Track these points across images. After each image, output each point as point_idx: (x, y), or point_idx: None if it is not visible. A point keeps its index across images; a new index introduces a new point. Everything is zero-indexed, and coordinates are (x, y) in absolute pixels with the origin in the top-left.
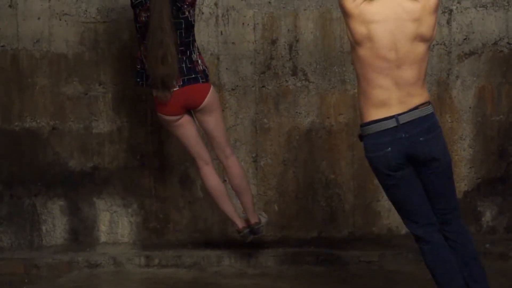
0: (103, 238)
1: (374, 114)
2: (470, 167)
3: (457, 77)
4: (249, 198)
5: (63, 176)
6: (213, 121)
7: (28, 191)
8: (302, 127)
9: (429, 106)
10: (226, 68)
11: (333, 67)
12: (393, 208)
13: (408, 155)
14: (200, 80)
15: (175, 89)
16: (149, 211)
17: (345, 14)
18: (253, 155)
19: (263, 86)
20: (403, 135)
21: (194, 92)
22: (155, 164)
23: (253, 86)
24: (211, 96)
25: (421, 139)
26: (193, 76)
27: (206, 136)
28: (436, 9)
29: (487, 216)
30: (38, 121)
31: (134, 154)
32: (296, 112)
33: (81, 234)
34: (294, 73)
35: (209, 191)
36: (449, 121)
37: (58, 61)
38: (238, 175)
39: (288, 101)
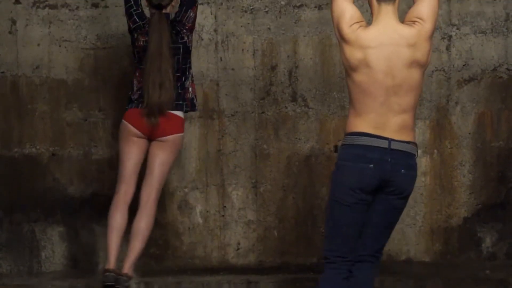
0: (102, 264)
1: (367, 129)
2: (470, 193)
3: (456, 103)
4: (139, 248)
5: (63, 202)
6: (162, 159)
7: (28, 217)
8: (302, 153)
9: (416, 147)
10: (226, 94)
11: (333, 93)
12: (394, 233)
13: (383, 180)
14: (184, 109)
15: None
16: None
17: (342, 40)
18: (253, 181)
19: (262, 112)
20: (389, 159)
21: (171, 122)
22: None
23: (252, 112)
24: (179, 137)
25: (402, 170)
26: (180, 103)
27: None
28: (431, 35)
29: (487, 242)
30: (37, 147)
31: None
32: (296, 138)
33: (81, 261)
34: (294, 99)
35: (110, 220)
36: (449, 147)
37: (57, 87)
38: (147, 222)
39: (287, 127)
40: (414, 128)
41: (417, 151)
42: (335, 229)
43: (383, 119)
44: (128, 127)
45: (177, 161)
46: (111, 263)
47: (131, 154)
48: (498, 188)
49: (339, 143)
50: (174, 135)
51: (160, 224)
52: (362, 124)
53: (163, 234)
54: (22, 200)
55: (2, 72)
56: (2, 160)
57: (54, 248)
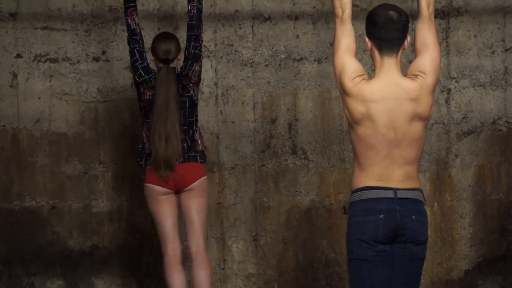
0: None
1: (371, 183)
2: (470, 246)
3: (456, 155)
4: None
5: (62, 256)
6: (196, 206)
7: (27, 270)
8: (302, 206)
9: (422, 194)
10: (226, 147)
11: (333, 146)
12: None
13: (395, 229)
14: (199, 160)
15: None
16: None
17: (344, 93)
18: (253, 234)
19: (262, 165)
20: (398, 207)
21: (191, 170)
22: (154, 243)
23: (252, 165)
24: (204, 180)
25: (413, 217)
26: (193, 154)
27: (184, 225)
28: (434, 88)
29: None
30: (37, 200)
31: (134, 233)
32: (296, 191)
33: None
34: (294, 152)
35: (171, 282)
36: (449, 199)
37: (58, 141)
38: (205, 270)
39: (287, 179)
40: (419, 178)
41: (424, 198)
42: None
43: (387, 171)
44: (153, 188)
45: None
46: None
47: (166, 213)
48: (499, 241)
49: (346, 204)
50: (198, 181)
51: (160, 277)
52: (366, 179)
53: (164, 287)
54: (22, 253)
55: (3, 126)
56: (1, 213)
57: None
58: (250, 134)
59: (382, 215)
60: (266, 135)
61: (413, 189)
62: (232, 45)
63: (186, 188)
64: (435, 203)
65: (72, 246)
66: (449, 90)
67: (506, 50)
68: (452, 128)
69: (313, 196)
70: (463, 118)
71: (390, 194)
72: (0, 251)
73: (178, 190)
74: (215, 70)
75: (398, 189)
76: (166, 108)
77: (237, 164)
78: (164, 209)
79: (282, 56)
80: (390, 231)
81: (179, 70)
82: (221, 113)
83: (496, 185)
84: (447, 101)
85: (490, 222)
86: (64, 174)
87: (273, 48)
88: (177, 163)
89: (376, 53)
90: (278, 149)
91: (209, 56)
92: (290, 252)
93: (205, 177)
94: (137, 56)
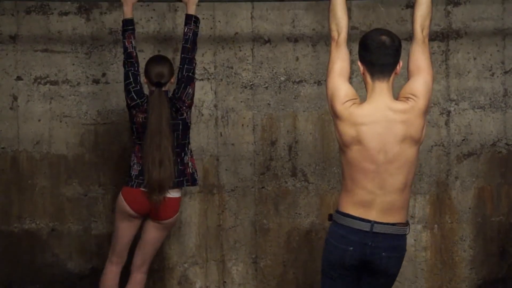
0: None
1: (352, 210)
2: (470, 268)
3: (456, 178)
4: None
5: (62, 278)
6: (156, 237)
7: None
8: (302, 228)
9: (406, 227)
10: (226, 169)
11: (332, 167)
12: None
13: (363, 262)
14: (185, 184)
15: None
16: None
17: (335, 116)
18: (253, 256)
19: (262, 187)
20: (369, 243)
21: (168, 207)
22: (154, 266)
23: (252, 187)
24: (176, 217)
25: (383, 254)
26: (181, 179)
27: (138, 244)
28: (426, 111)
29: None
30: (37, 222)
31: (133, 256)
32: (296, 213)
33: None
34: (294, 174)
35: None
36: (449, 222)
37: (58, 163)
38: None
39: (287, 202)
40: (406, 208)
41: (408, 228)
42: None
43: (370, 197)
44: (124, 205)
45: (177, 237)
46: None
47: (126, 231)
48: (499, 263)
49: (334, 213)
50: (172, 218)
51: None
52: (349, 202)
53: None
54: (21, 275)
55: (3, 148)
56: (1, 235)
57: None
58: (250, 156)
59: (352, 248)
60: (266, 157)
61: (393, 224)
62: (232, 67)
63: (157, 220)
64: (435, 225)
65: (72, 268)
66: (449, 112)
67: (506, 72)
68: (452, 150)
69: (313, 218)
70: (463, 140)
71: (366, 227)
72: (0, 273)
73: (148, 217)
74: (215, 92)
75: (376, 222)
76: (159, 132)
77: (237, 186)
78: (126, 228)
79: (282, 78)
80: (356, 262)
81: (171, 93)
82: (221, 135)
83: (496, 207)
84: (446, 123)
85: (490, 244)
86: (64, 196)
87: (273, 70)
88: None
89: (368, 77)
90: (278, 171)
91: (209, 78)
92: (291, 274)
93: (179, 213)
94: (131, 79)
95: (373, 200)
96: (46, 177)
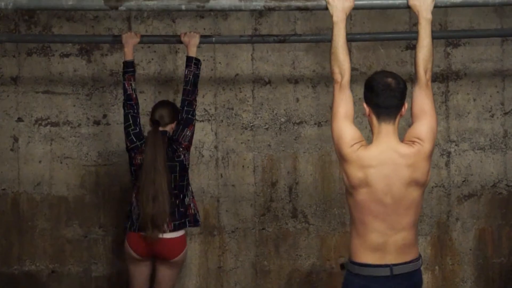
0: None
1: (369, 257)
2: None
3: (457, 219)
4: None
5: None
6: (168, 275)
7: None
8: (303, 270)
9: (419, 260)
10: (226, 210)
11: (333, 209)
12: None
13: None
14: (188, 225)
15: (165, 233)
16: None
17: (342, 159)
18: None
19: (263, 229)
20: (392, 287)
21: (174, 246)
22: None
23: (253, 229)
24: (183, 254)
25: None
26: (183, 220)
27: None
28: (431, 154)
29: None
30: (37, 264)
31: None
32: (297, 255)
33: None
34: (294, 215)
35: None
36: (450, 263)
37: (58, 204)
38: None
39: (288, 243)
40: (416, 242)
41: (421, 260)
42: None
43: (383, 238)
44: (130, 251)
45: (178, 279)
46: None
47: (138, 273)
48: None
49: (344, 261)
50: (179, 256)
51: None
52: (363, 249)
53: None
54: None
55: (3, 189)
56: (1, 277)
57: None
58: (251, 197)
59: None
60: (267, 199)
61: (410, 261)
62: (232, 109)
63: (166, 260)
64: (436, 267)
65: None
66: (449, 153)
67: (506, 113)
68: (453, 191)
69: (314, 259)
70: (463, 181)
71: (386, 272)
72: None
73: (156, 258)
74: (216, 134)
75: (394, 265)
76: (154, 168)
77: (237, 228)
78: (140, 270)
79: (282, 119)
80: None
81: (170, 134)
82: (222, 176)
83: (497, 249)
84: (447, 164)
85: (491, 286)
86: (64, 238)
87: (273, 111)
88: (167, 228)
89: (374, 119)
90: (279, 212)
91: (209, 120)
92: None
93: (185, 249)
94: (130, 122)
95: (386, 241)
96: (46, 219)
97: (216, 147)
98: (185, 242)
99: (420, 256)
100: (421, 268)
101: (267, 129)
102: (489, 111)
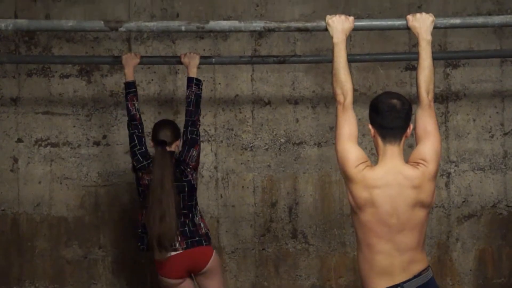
0: None
1: (378, 283)
2: None
3: (457, 239)
4: None
5: None
6: (214, 285)
7: None
8: None
9: (429, 271)
10: (226, 231)
11: (333, 229)
12: None
13: None
14: (204, 243)
15: (178, 251)
16: None
17: (348, 180)
18: None
19: (263, 249)
20: None
21: (198, 255)
22: None
23: (253, 249)
24: (214, 260)
25: None
26: (197, 239)
27: None
28: (435, 175)
29: None
30: (36, 285)
31: None
32: (297, 275)
33: None
34: (294, 236)
35: None
36: (450, 284)
37: (58, 225)
38: None
39: (288, 264)
40: (425, 256)
41: (432, 271)
42: None
43: (389, 260)
44: (166, 280)
45: None
46: None
47: None
48: None
49: None
50: (209, 263)
51: None
52: (372, 274)
53: None
54: None
55: (3, 210)
56: None
57: None
58: (250, 218)
59: None
60: (266, 219)
61: (419, 274)
62: (232, 129)
63: (200, 272)
64: None
65: None
66: (449, 174)
67: (505, 134)
68: (453, 211)
69: (313, 280)
70: (463, 201)
71: None
72: None
73: (192, 273)
74: (215, 154)
75: (404, 282)
76: (161, 187)
77: (237, 248)
78: None
79: (282, 140)
80: None
81: (177, 154)
82: (221, 196)
83: (498, 269)
84: (447, 185)
85: None
86: (63, 258)
87: (273, 132)
88: (179, 246)
89: (379, 140)
90: (279, 233)
91: (209, 140)
92: None
93: (214, 254)
94: (136, 142)
95: (392, 263)
96: (46, 239)
97: (216, 167)
98: (211, 250)
99: (429, 266)
100: None
101: (267, 149)
102: (489, 132)
